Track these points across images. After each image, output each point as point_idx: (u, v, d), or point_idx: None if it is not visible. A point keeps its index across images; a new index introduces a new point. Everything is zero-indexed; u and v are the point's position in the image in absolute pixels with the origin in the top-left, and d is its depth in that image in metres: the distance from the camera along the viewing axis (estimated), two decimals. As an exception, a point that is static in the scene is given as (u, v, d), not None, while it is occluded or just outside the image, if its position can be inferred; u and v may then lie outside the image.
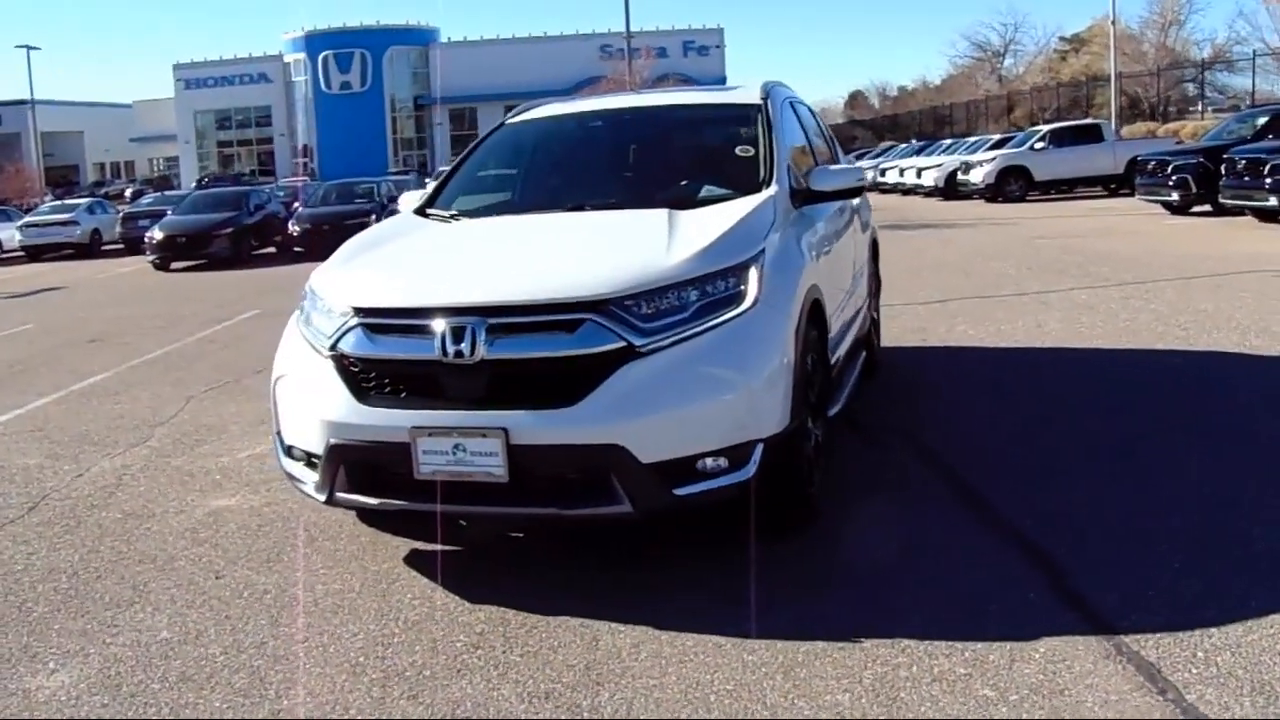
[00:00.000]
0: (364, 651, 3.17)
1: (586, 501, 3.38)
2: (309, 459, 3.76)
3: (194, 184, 43.36)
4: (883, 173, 33.19)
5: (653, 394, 3.32)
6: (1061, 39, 56.16)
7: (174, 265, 19.59)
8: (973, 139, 32.50)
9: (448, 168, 5.15)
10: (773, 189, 4.30)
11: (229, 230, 19.79)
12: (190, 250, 19.45)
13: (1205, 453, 4.58)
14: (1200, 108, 38.62)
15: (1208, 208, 16.88)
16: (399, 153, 55.37)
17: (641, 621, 3.25)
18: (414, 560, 3.90)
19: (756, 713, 2.70)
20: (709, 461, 3.38)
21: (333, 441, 3.56)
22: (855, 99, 76.90)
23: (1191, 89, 42.29)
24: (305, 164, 53.99)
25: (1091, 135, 26.10)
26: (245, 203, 21.30)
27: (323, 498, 3.70)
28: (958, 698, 2.72)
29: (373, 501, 3.60)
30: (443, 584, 3.64)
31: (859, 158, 39.57)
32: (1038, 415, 5.42)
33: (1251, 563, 3.41)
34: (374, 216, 20.05)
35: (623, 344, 3.34)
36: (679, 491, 3.36)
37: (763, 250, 3.70)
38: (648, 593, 3.48)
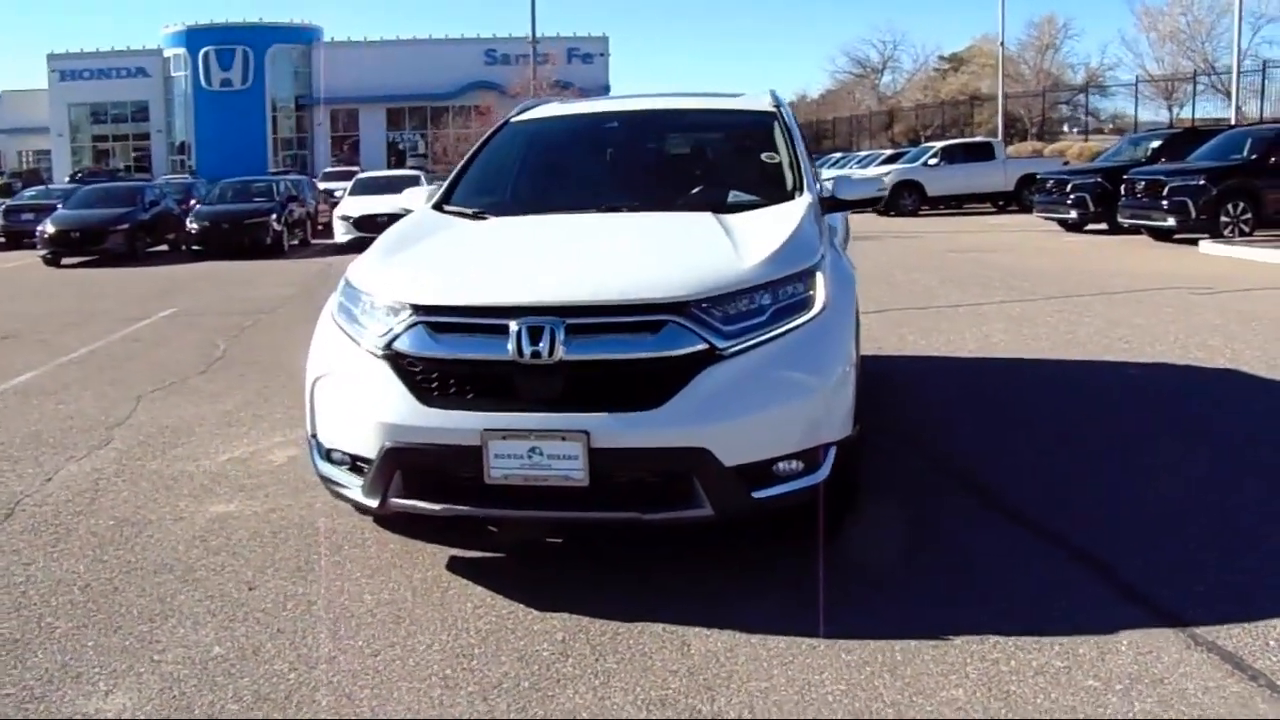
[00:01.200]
0: (447, 664, 3.05)
1: (667, 506, 3.34)
2: (354, 463, 3.59)
3: (66, 179, 40.99)
4: None
5: (736, 397, 3.30)
6: (941, 58, 58.39)
7: (65, 261, 18.49)
8: (862, 153, 33.56)
9: (461, 164, 5.00)
10: (807, 197, 4.35)
11: (125, 226, 18.78)
12: (84, 246, 18.41)
13: (1203, 455, 4.84)
14: (1070, 129, 40.82)
15: (1103, 226, 17.88)
16: (279, 153, 53.67)
17: (723, 625, 3.22)
18: (458, 568, 3.76)
19: (880, 711, 2.71)
20: (786, 464, 3.38)
21: (389, 445, 3.41)
22: None
23: (1065, 110, 44.63)
24: (183, 161, 51.85)
25: (983, 153, 27.31)
26: (140, 198, 20.24)
27: (373, 503, 3.54)
28: (1066, 689, 2.79)
29: (434, 508, 3.46)
30: (500, 591, 3.53)
31: None
32: (1027, 420, 5.63)
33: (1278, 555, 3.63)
34: (274, 215, 19.39)
35: (705, 346, 3.31)
36: (757, 495, 3.35)
37: (823, 257, 3.74)
38: (716, 596, 3.45)
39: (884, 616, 3.25)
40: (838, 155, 36.24)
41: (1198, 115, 31.73)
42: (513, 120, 5.25)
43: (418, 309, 3.48)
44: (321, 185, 28.03)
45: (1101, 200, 17.59)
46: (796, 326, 3.45)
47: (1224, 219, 14.58)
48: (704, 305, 3.35)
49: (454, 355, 3.41)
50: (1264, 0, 34.78)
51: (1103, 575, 3.53)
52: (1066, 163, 25.73)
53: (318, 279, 14.69)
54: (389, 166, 42.29)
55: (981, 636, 3.09)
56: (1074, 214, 18.23)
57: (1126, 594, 3.38)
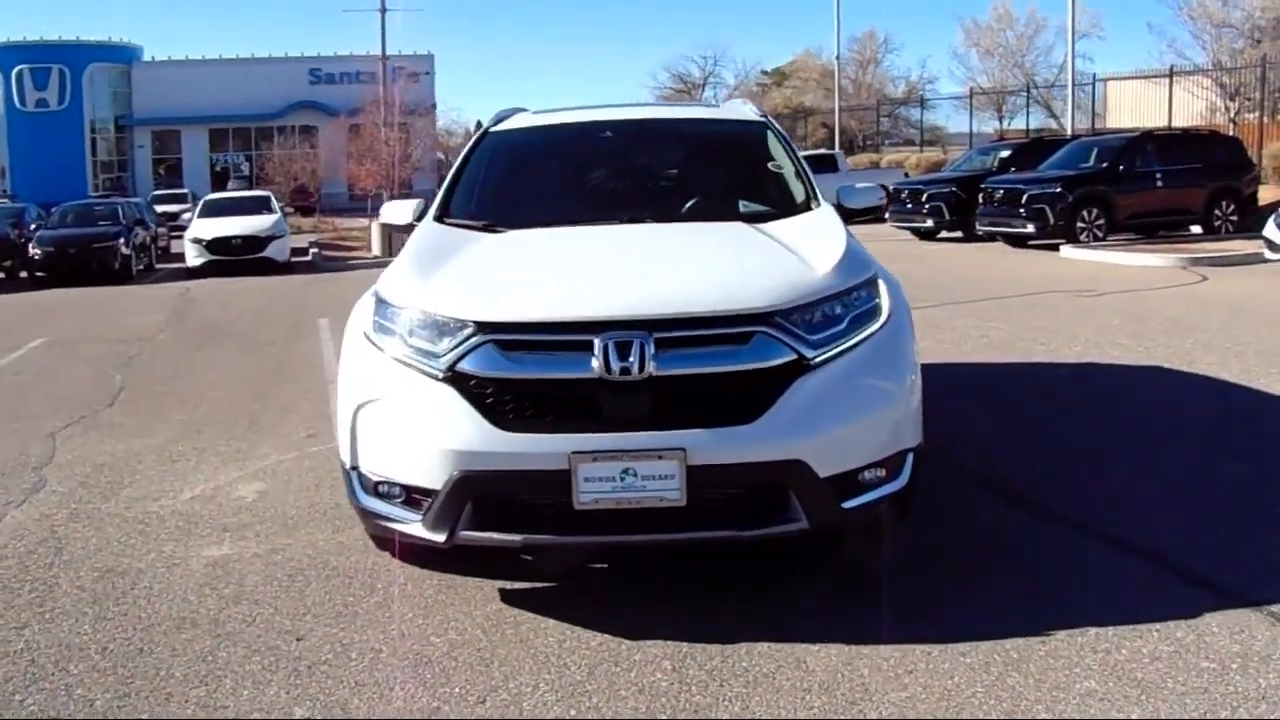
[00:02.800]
0: (568, 704, 2.85)
1: (763, 521, 3.25)
2: (410, 496, 3.34)
3: None
4: None
5: (827, 407, 3.25)
6: (764, 73, 59.74)
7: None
8: None
9: (449, 176, 4.75)
10: (825, 207, 4.36)
11: (-41, 252, 17.11)
12: (-84, 272, 16.62)
13: (1189, 447, 5.15)
14: (887, 142, 42.85)
15: (957, 234, 18.86)
16: (99, 175, 50.17)
17: (823, 639, 3.16)
18: (516, 600, 3.55)
19: (1031, 710, 2.72)
20: (870, 473, 3.35)
21: (460, 473, 3.18)
22: None
23: (885, 123, 46.77)
24: (-2, 186, 47.72)
25: (827, 164, 28.25)
26: (-28, 225, 18.50)
27: (439, 537, 3.29)
28: (1189, 671, 2.89)
29: (512, 539, 3.24)
30: (574, 622, 3.35)
31: None
32: (1018, 419, 5.85)
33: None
34: (121, 239, 18.14)
35: (794, 357, 3.25)
36: (846, 505, 3.30)
37: (876, 265, 3.75)
38: (795, 609, 3.40)
39: (970, 620, 3.26)
40: None
41: (1020, 126, 33.90)
42: (492, 130, 5.04)
43: (484, 326, 3.26)
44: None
45: (956, 209, 18.53)
46: (871, 335, 3.44)
47: (1080, 225, 15.65)
48: (790, 315, 3.29)
49: (532, 375, 3.21)
50: (1080, 17, 37.60)
51: (1157, 564, 3.67)
52: (907, 174, 26.94)
53: (183, 304, 13.84)
54: (212, 189, 40.44)
55: (1079, 630, 3.15)
56: (930, 222, 19.12)
57: (1192, 580, 3.50)
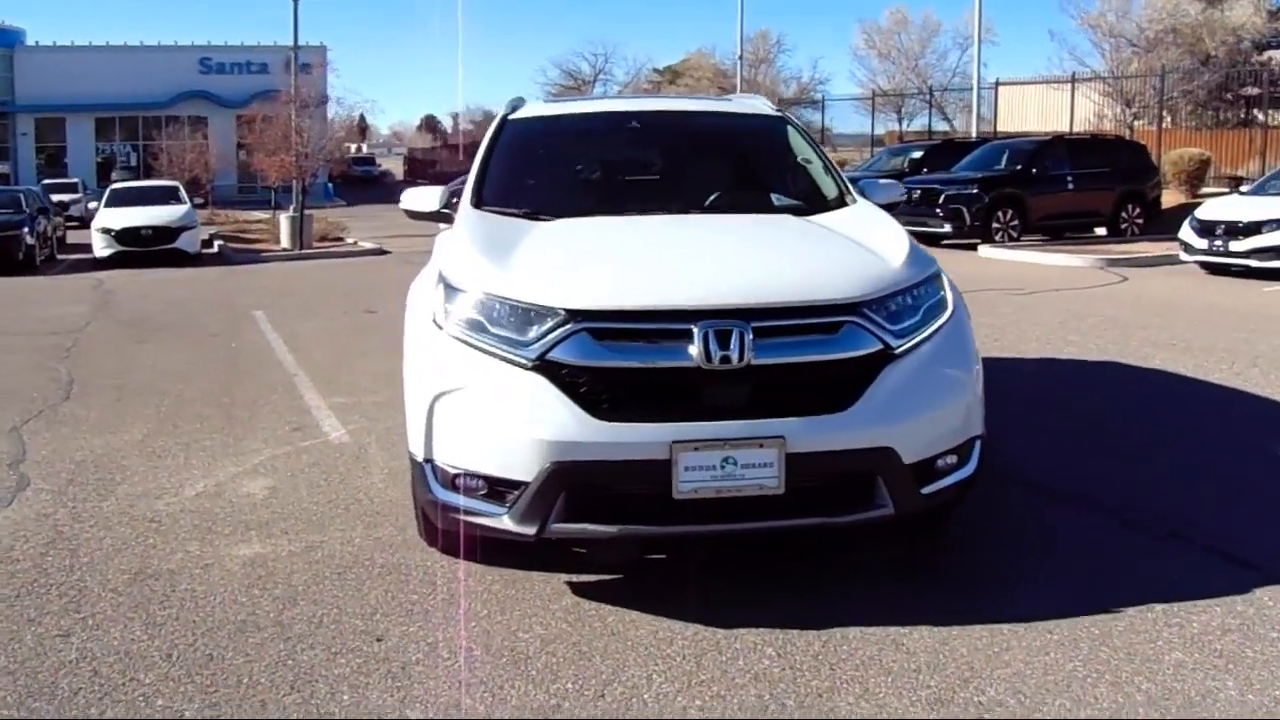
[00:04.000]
0: (690, 694, 2.83)
1: (853, 508, 3.29)
2: (494, 488, 3.26)
3: None
4: None
5: (911, 395, 3.31)
6: (655, 70, 59.75)
7: None
8: None
9: (477, 164, 4.62)
10: (864, 201, 4.43)
11: None
12: None
13: (1177, 439, 5.42)
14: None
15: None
16: (-21, 164, 47.15)
17: (909, 621, 3.22)
18: (590, 592, 3.50)
19: (1135, 683, 2.82)
20: (945, 460, 3.43)
21: (555, 464, 3.12)
22: (428, 123, 77.95)
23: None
24: None
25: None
26: None
27: (529, 530, 3.22)
28: (1261, 641, 3.05)
29: (608, 530, 3.19)
30: (659, 612, 3.31)
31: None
32: (1013, 413, 6.03)
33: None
34: (26, 228, 17.09)
35: (880, 346, 3.30)
36: (925, 491, 3.38)
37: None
38: (867, 594, 3.46)
39: (1038, 603, 3.36)
40: None
41: (918, 128, 35.00)
42: (511, 119, 4.93)
43: (576, 315, 3.20)
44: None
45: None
46: (942, 325, 3.51)
47: (995, 225, 16.25)
48: (875, 306, 3.33)
49: (630, 364, 3.17)
50: (970, 23, 38.96)
51: (1185, 544, 3.86)
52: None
53: (101, 295, 13.12)
54: (98, 180, 38.43)
55: (1148, 607, 3.29)
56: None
57: (1225, 558, 3.70)
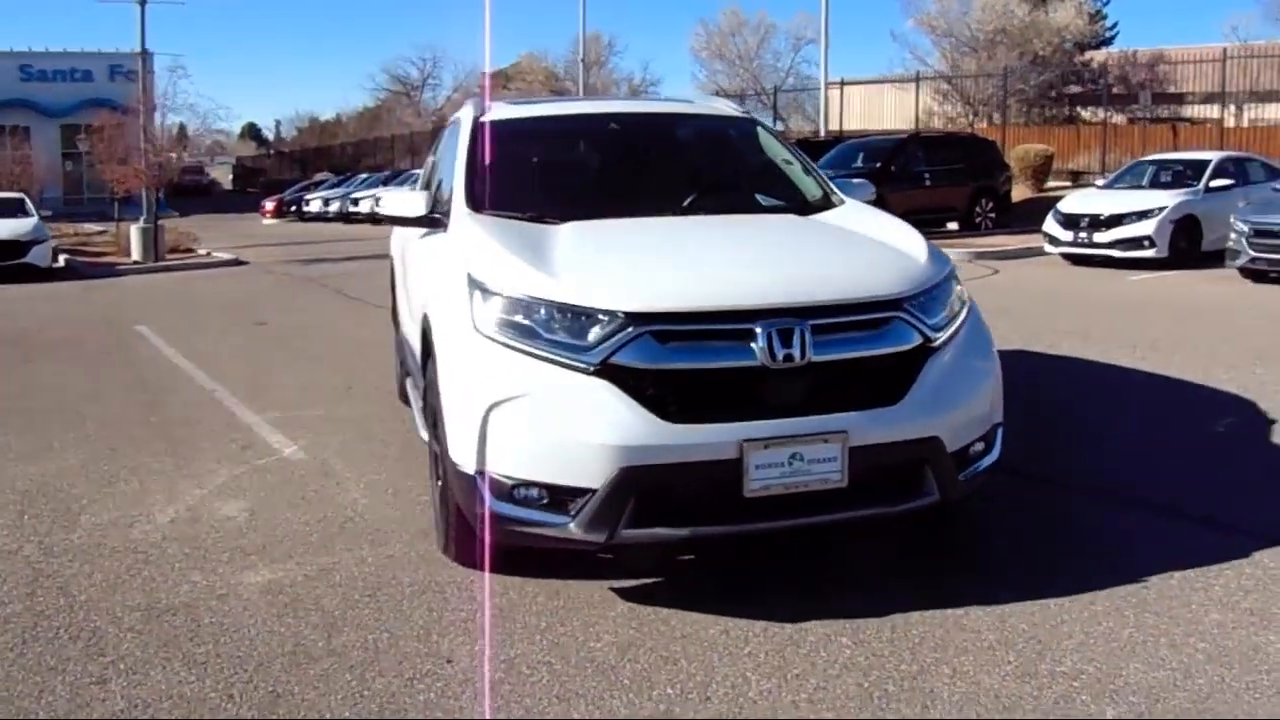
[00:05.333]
0: (799, 688, 2.86)
1: (906, 497, 3.40)
2: (555, 497, 3.20)
3: None
4: (355, 202, 33.03)
5: (951, 386, 3.45)
6: (485, 74, 59.33)
7: None
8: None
9: (462, 168, 4.48)
10: (854, 201, 4.56)
11: None
12: None
13: (1122, 420, 5.81)
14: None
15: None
16: None
17: (958, 604, 3.34)
18: (638, 597, 3.48)
19: (1187, 645, 3.03)
20: (976, 447, 3.59)
21: (624, 468, 3.10)
22: (251, 131, 75.46)
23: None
24: None
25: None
26: None
27: (599, 537, 3.18)
28: (1282, 600, 3.34)
29: (679, 533, 3.20)
30: (717, 612, 3.32)
31: (311, 188, 39.54)
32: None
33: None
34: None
35: (922, 340, 3.42)
36: (962, 477, 3.53)
37: None
38: (905, 582, 3.56)
39: (1066, 584, 3.53)
40: (420, 171, 35.16)
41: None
42: (486, 120, 4.81)
43: (637, 318, 3.18)
44: None
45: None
46: (966, 318, 3.67)
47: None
48: (914, 301, 3.45)
49: (696, 365, 3.18)
50: (807, 25, 40.42)
51: (1195, 521, 4.15)
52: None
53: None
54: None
55: (1167, 574, 3.54)
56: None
57: (1224, 529, 3.98)
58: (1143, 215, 12.52)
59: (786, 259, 3.65)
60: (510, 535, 3.33)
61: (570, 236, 3.77)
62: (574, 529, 3.19)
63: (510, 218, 4.10)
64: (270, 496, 4.69)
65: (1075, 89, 31.91)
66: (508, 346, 3.30)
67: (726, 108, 5.36)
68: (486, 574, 3.62)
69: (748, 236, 3.96)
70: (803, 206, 4.48)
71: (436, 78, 60.56)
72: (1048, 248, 13.66)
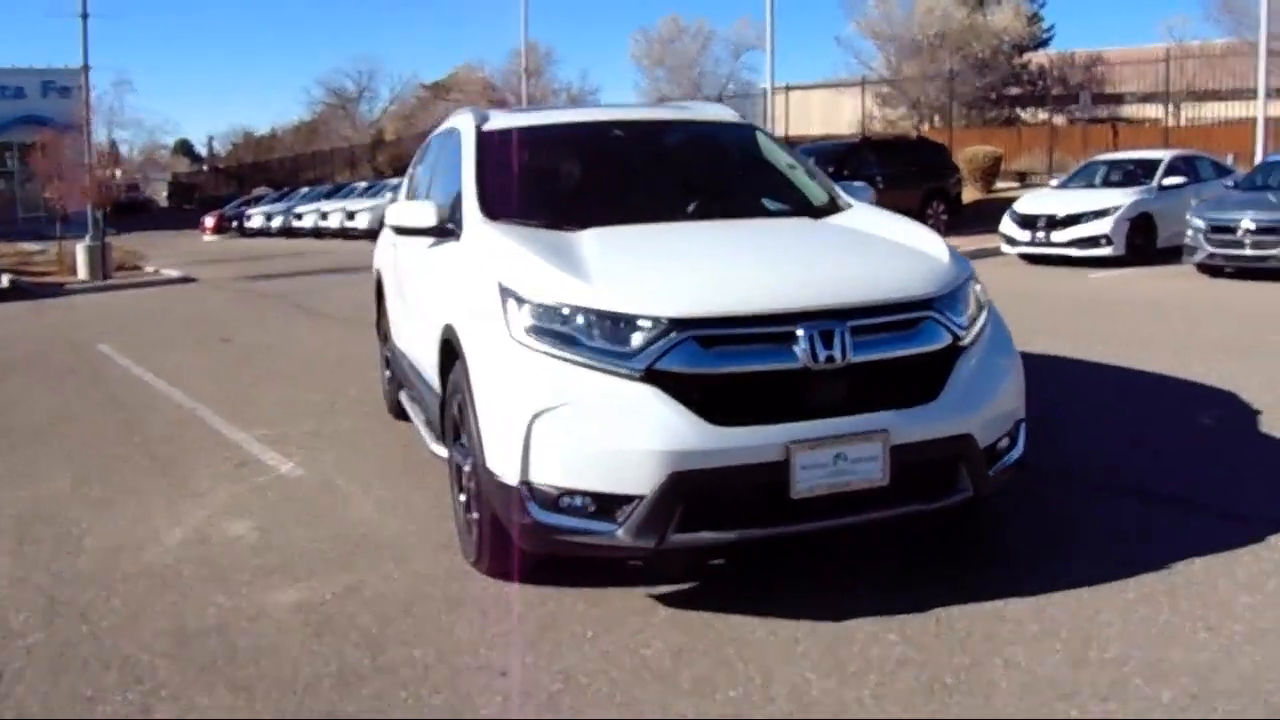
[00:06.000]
0: (861, 685, 2.88)
1: (942, 494, 3.45)
2: (603, 505, 3.19)
3: None
4: (298, 216, 32.94)
5: (980, 383, 3.51)
6: (422, 86, 58.11)
7: None
8: (395, 180, 33.29)
9: (471, 177, 4.44)
10: (858, 204, 4.61)
11: None
12: None
13: (1109, 415, 5.94)
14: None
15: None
16: None
17: (994, 596, 3.39)
18: (677, 602, 3.47)
19: (1226, 628, 3.11)
20: (1003, 442, 3.65)
21: (674, 474, 3.10)
22: (184, 147, 74.23)
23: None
24: None
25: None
26: None
27: (648, 544, 3.17)
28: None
29: (727, 536, 3.20)
30: (765, 614, 3.32)
31: (251, 203, 39.27)
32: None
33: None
34: None
35: (952, 339, 3.47)
36: (990, 472, 3.58)
37: None
38: (934, 577, 3.60)
39: (1077, 568, 3.63)
40: (363, 184, 34.47)
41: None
42: (487, 129, 4.78)
43: (681, 323, 3.18)
44: None
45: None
46: (988, 317, 3.74)
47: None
48: (943, 301, 3.50)
49: (741, 369, 3.19)
50: (744, 30, 40.85)
51: (1205, 514, 4.22)
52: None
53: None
54: None
55: (1183, 561, 3.63)
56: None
57: (1235, 519, 4.06)
58: (1099, 214, 12.85)
59: (818, 261, 3.68)
60: (555, 545, 3.31)
61: (595, 243, 3.76)
62: (622, 536, 3.18)
63: (527, 225, 4.08)
64: (277, 514, 4.60)
65: (1015, 90, 32.67)
66: (548, 355, 3.28)
67: (723, 113, 5.39)
68: (517, 584, 3.61)
69: (771, 240, 3.98)
70: (813, 210, 4.52)
71: (373, 90, 60.11)
72: (1005, 248, 13.94)
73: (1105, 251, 12.85)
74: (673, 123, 5.23)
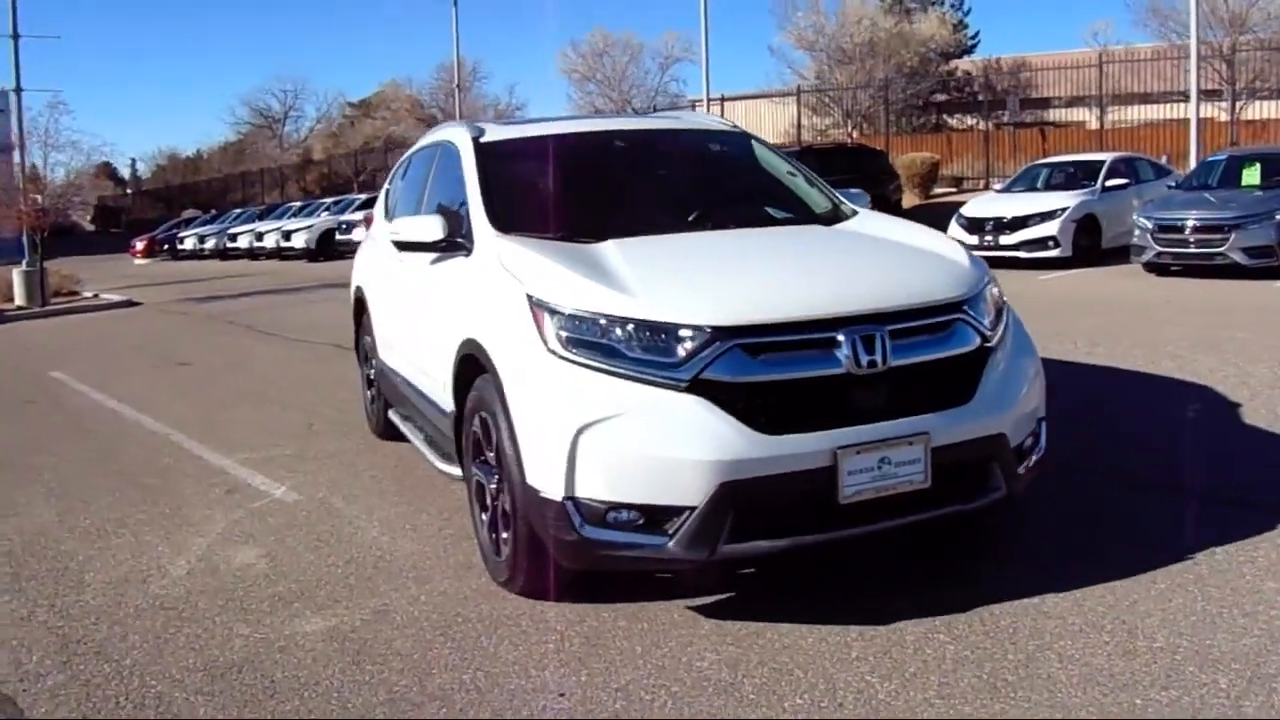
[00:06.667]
0: (926, 687, 2.89)
1: (978, 494, 3.48)
2: (651, 518, 3.16)
3: None
4: (233, 238, 32.59)
5: (1008, 383, 3.56)
6: (349, 104, 57.68)
7: None
8: (329, 200, 33.09)
9: (476, 190, 4.37)
10: (863, 210, 4.65)
11: None
12: None
13: (1090, 411, 6.08)
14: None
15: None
16: None
17: (1032, 592, 3.44)
18: (717, 613, 3.46)
19: (1259, 612, 3.20)
20: (1027, 441, 3.71)
21: (724, 483, 3.08)
22: (106, 170, 72.59)
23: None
24: None
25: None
26: None
27: (700, 556, 3.15)
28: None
29: (777, 545, 3.18)
30: (810, 622, 3.33)
31: (183, 225, 38.62)
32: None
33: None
34: None
35: (980, 341, 3.52)
36: (1020, 471, 3.64)
37: None
38: (966, 574, 3.68)
39: (1104, 562, 3.71)
40: (298, 204, 34.19)
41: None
42: (486, 141, 4.71)
43: (725, 331, 3.17)
44: None
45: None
46: (1009, 318, 3.80)
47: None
48: (970, 304, 3.55)
49: (786, 376, 3.19)
50: (673, 43, 41.19)
51: (1201, 500, 4.37)
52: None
53: None
54: None
55: (1205, 552, 3.72)
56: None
57: (1232, 503, 4.22)
58: (1046, 216, 13.19)
59: (851, 267, 3.70)
60: (601, 561, 3.27)
61: (620, 255, 3.71)
62: (673, 548, 3.15)
63: (542, 238, 4.02)
64: (283, 540, 4.47)
65: (942, 97, 33.44)
66: (587, 367, 3.24)
67: (717, 122, 5.40)
68: (551, 602, 3.55)
69: (796, 248, 3.99)
70: (821, 216, 4.54)
71: (299, 109, 59.42)
72: (956, 251, 14.20)
73: (1053, 253, 13.19)
74: (672, 132, 5.22)
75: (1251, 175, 11.73)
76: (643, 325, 3.24)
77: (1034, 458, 3.73)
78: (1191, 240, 11.20)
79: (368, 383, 6.43)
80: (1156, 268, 11.75)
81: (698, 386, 3.15)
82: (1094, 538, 3.98)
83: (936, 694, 2.87)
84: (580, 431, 3.17)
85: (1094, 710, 2.74)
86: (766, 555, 3.24)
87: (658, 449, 3.13)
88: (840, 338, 3.22)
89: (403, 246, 4.43)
